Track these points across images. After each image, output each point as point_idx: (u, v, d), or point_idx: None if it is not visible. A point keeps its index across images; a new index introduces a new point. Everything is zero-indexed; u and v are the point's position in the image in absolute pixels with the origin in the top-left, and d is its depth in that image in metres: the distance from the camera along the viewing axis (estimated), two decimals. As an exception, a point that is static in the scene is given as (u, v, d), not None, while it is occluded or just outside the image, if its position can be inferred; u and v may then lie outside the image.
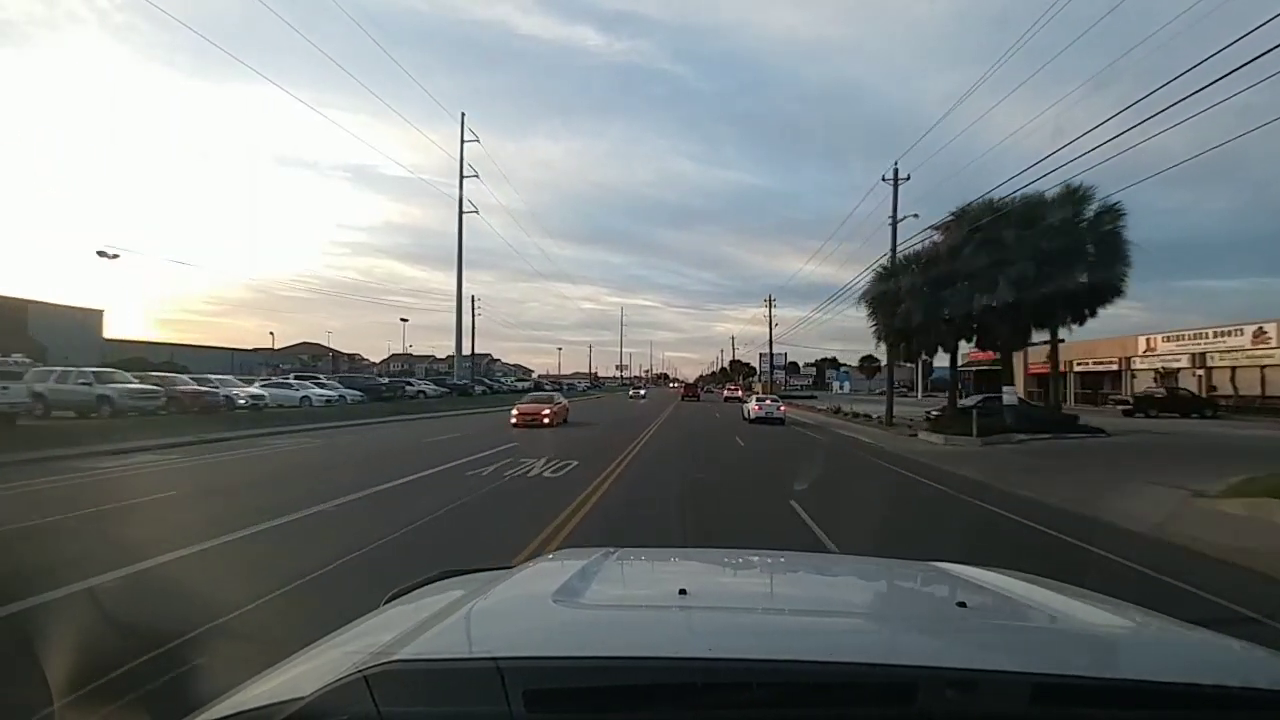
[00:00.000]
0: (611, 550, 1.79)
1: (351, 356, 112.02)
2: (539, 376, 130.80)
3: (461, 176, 47.04)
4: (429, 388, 40.79)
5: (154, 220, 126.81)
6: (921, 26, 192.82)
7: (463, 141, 47.29)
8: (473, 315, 58.03)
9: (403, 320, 70.07)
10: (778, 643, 1.10)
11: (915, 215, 22.23)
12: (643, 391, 63.12)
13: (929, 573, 1.73)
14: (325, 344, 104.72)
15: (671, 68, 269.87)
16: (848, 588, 1.76)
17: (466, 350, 52.58)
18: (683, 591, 1.26)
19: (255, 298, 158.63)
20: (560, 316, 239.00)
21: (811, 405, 42.90)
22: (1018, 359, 51.44)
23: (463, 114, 47.75)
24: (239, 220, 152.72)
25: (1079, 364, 40.95)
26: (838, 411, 31.35)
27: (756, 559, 2.07)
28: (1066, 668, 0.95)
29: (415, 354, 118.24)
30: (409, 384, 40.66)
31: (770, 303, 58.70)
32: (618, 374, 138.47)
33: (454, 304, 40.18)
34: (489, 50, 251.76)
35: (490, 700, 0.79)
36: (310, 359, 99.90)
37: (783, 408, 26.58)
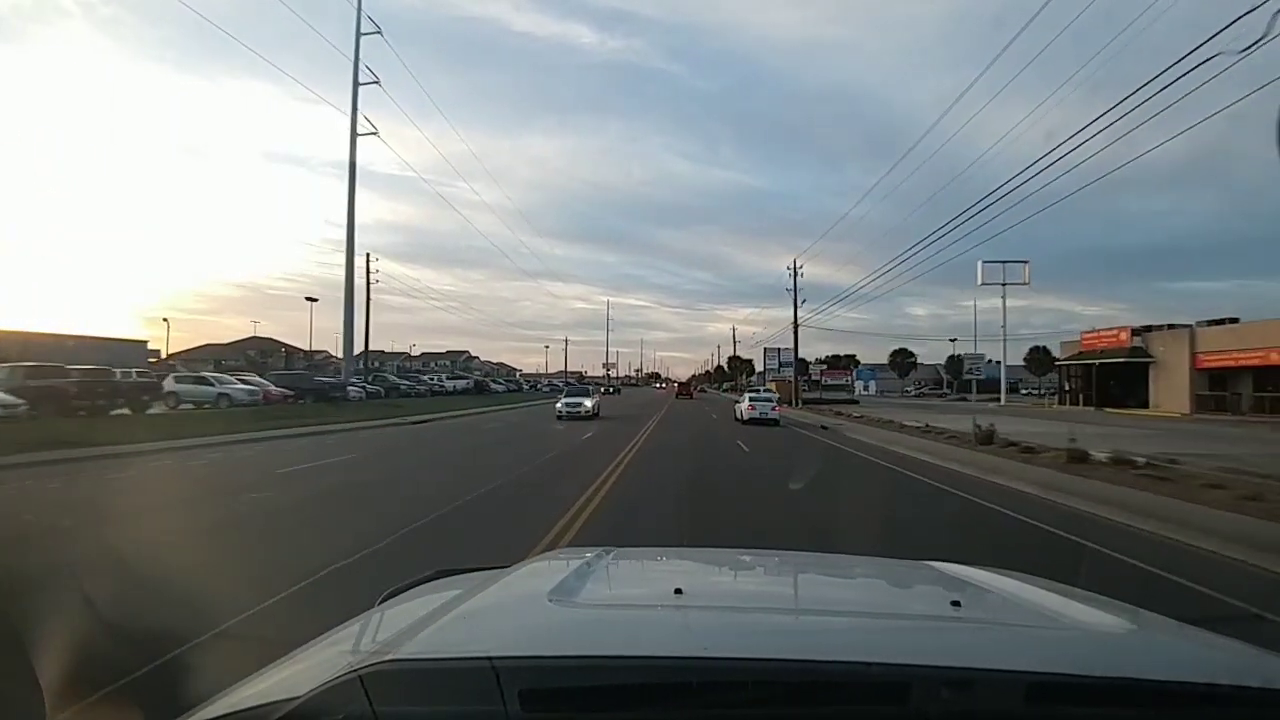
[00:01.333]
0: (608, 550, 1.77)
1: (308, 353, 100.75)
2: (522, 376, 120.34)
3: (356, 78, 32.39)
4: (243, 390, 24.46)
5: (140, 215, 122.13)
6: (921, 27, 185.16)
7: (360, 24, 32.62)
8: (367, 282, 42.97)
9: (309, 300, 53.26)
10: (773, 642, 1.08)
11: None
12: (587, 403, 26.84)
13: (924, 572, 1.73)
14: (278, 339, 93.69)
15: (667, 66, 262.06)
16: (843, 587, 1.78)
17: (361, 328, 37.92)
18: (678, 591, 1.25)
19: (243, 295, 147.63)
20: (553, 316, 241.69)
21: (879, 418, 26.06)
22: (1179, 346, 31.24)
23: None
24: (226, 216, 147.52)
25: (1253, 357, 25.76)
26: (990, 440, 14.63)
27: (752, 558, 2.09)
28: (1061, 666, 0.94)
29: (389, 351, 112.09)
30: (208, 383, 24.60)
31: (795, 271, 43.84)
32: (604, 374, 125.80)
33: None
34: (483, 47, 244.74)
35: (485, 700, 0.78)
36: (258, 354, 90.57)
37: (777, 408, 24.78)
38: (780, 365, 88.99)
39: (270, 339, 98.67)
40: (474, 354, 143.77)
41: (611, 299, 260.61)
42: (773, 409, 24.17)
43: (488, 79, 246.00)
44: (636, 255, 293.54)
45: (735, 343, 71.69)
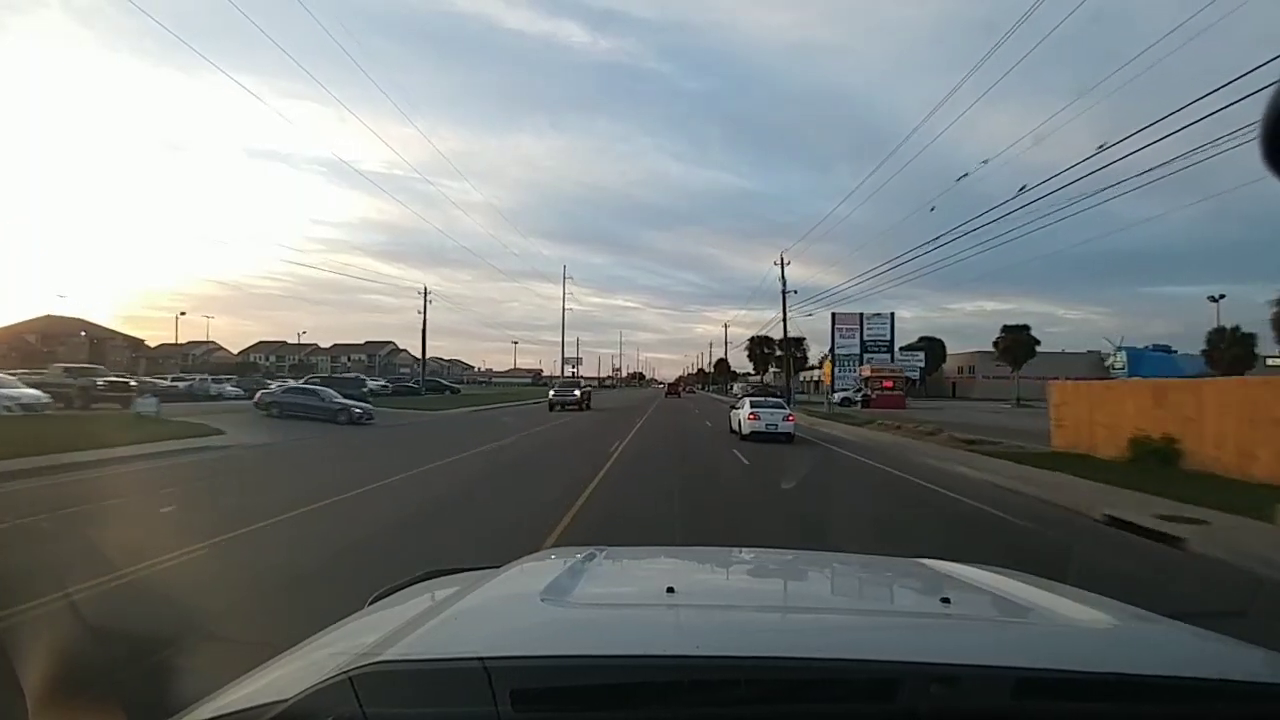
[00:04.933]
0: (600, 549, 1.74)
1: (137, 343, 71.29)
2: (483, 370, 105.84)
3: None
4: None
5: (123, 212, 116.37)
6: (913, 29, 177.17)
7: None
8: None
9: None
10: (765, 640, 1.08)
11: None
12: None
13: (914, 569, 1.71)
14: (92, 321, 66.71)
15: (658, 66, 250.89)
16: (834, 585, 1.77)
17: None
18: (670, 590, 1.24)
19: (226, 294, 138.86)
20: (542, 317, 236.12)
21: None
22: None
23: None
24: (208, 214, 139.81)
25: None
26: None
27: (744, 557, 2.10)
28: (1049, 662, 0.95)
29: (291, 343, 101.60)
30: None
31: None
32: (573, 372, 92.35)
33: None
34: (474, 45, 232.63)
35: (477, 700, 0.78)
36: (38, 340, 59.10)
37: (791, 417, 19.36)
38: (867, 347, 51.59)
39: (77, 319, 65.34)
40: (400, 346, 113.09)
41: (599, 299, 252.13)
42: (786, 418, 18.89)
43: (478, 77, 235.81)
44: (625, 256, 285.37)
45: (786, 296, 33.92)
